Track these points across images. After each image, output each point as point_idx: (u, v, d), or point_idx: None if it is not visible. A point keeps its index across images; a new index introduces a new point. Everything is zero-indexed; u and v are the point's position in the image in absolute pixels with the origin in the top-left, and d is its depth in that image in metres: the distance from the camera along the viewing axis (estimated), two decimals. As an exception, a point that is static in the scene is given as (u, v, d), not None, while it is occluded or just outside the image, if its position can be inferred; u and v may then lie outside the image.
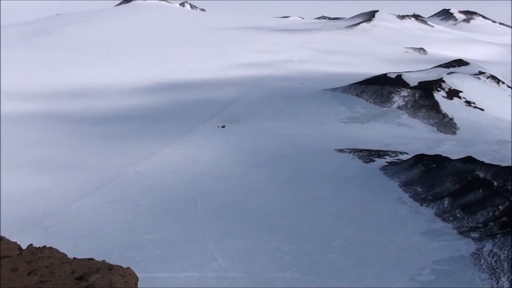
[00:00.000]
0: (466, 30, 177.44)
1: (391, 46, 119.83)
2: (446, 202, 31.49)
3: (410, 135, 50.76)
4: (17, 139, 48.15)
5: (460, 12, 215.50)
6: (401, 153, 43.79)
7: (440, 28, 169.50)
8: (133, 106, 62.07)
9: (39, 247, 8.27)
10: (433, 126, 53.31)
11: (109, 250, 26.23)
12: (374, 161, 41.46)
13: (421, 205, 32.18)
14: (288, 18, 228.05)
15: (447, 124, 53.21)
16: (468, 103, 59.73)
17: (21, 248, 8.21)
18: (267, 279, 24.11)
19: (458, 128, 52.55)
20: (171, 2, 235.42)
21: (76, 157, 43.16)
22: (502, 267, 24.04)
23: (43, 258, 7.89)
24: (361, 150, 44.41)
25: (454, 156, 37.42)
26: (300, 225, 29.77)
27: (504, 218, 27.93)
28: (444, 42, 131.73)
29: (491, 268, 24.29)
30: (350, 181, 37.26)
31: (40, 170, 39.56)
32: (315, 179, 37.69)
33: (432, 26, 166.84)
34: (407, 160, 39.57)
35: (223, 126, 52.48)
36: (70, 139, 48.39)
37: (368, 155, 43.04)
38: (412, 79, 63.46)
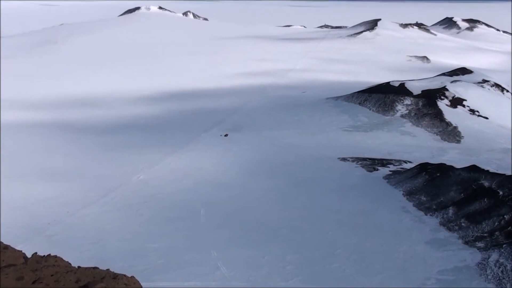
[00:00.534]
0: (470, 39, 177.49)
1: (394, 55, 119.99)
2: (450, 211, 31.42)
3: (414, 143, 50.72)
4: (20, 148, 48.28)
5: (464, 20, 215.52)
6: (405, 161, 43.75)
7: (443, 36, 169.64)
8: (136, 115, 62.23)
9: (44, 255, 8.30)
10: (437, 134, 53.27)
11: (112, 258, 26.23)
12: (377, 169, 41.42)
13: (425, 214, 32.11)
14: (291, 27, 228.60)
15: (451, 133, 53.16)
16: (472, 111, 59.70)
17: (26, 257, 8.24)
18: (271, 289, 24.09)
19: (462, 136, 52.50)
20: (174, 12, 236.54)
21: (79, 166, 43.25)
22: (509, 277, 23.94)
23: (48, 266, 7.92)
24: (364, 159, 44.38)
25: (458, 165, 37.36)
26: (303, 234, 29.73)
27: (510, 227, 27.84)
28: (447, 51, 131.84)
29: (497, 278, 24.18)
30: (353, 190, 37.21)
31: (43, 179, 39.64)
32: (318, 188, 37.66)
33: (435, 35, 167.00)
34: (411, 169, 39.51)
35: (226, 135, 52.53)
36: (73, 148, 48.50)
37: (372, 163, 43.01)
38: (415, 88, 63.51)
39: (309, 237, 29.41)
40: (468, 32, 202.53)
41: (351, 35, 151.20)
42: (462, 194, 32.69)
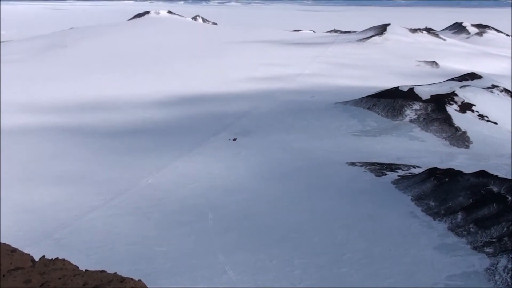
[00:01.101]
0: (479, 44, 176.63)
1: (403, 60, 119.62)
2: (459, 216, 31.24)
3: (423, 148, 50.50)
4: (29, 151, 48.61)
5: (473, 25, 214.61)
6: (414, 166, 43.57)
7: (453, 41, 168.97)
8: (144, 119, 62.46)
9: (52, 259, 8.33)
10: (445, 139, 53.01)
11: (119, 262, 26.31)
12: (386, 174, 41.28)
13: (434, 219, 31.96)
14: (300, 31, 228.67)
15: (460, 138, 52.88)
16: (481, 116, 59.37)
17: (34, 260, 8.28)
18: (278, 293, 24.04)
19: (471, 141, 52.20)
20: (183, 16, 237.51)
21: (87, 169, 43.44)
22: (517, 283, 23.74)
23: (56, 270, 7.96)
24: (373, 164, 44.25)
25: (467, 170, 37.16)
26: (311, 239, 29.66)
27: (518, 233, 27.63)
28: (457, 56, 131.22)
29: (506, 284, 24.00)
30: (362, 195, 37.11)
31: (51, 183, 39.85)
32: (326, 192, 37.59)
33: (445, 40, 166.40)
34: (420, 173, 39.35)
35: (234, 139, 52.59)
36: (82, 152, 48.73)
37: (380, 168, 42.87)
38: (424, 93, 63.26)
39: (317, 241, 29.35)
40: (477, 37, 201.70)
41: (360, 39, 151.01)
42: (470, 199, 32.51)
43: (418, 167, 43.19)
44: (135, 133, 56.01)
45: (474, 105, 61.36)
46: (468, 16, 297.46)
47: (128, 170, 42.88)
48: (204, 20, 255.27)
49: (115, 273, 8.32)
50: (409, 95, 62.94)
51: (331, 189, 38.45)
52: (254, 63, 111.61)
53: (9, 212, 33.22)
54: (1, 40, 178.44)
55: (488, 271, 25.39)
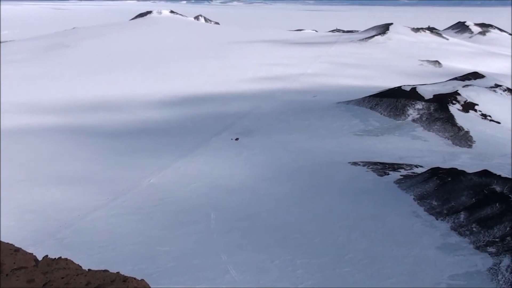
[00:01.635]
0: (482, 43, 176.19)
1: (406, 59, 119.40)
2: (462, 216, 31.24)
3: (425, 148, 50.46)
4: (32, 151, 48.73)
5: (476, 24, 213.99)
6: (416, 166, 43.55)
7: (455, 41, 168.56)
8: (146, 119, 62.52)
9: (55, 258, 8.39)
10: (448, 139, 52.95)
11: (122, 261, 26.40)
12: (388, 174, 41.28)
13: (437, 219, 31.96)
14: (302, 31, 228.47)
15: (462, 137, 52.83)
16: (484, 116, 59.29)
17: (37, 259, 8.34)
18: (280, 293, 24.08)
19: (474, 141, 52.13)
20: (185, 16, 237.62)
21: (90, 169, 43.55)
22: (520, 283, 23.74)
23: (59, 269, 8.02)
24: (375, 163, 44.24)
25: (470, 170, 37.13)
26: (313, 239, 29.69)
27: (521, 233, 27.63)
28: (460, 55, 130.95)
29: (509, 283, 24.00)
30: (364, 194, 37.12)
31: (54, 183, 39.97)
32: (328, 192, 37.61)
33: (447, 39, 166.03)
34: (422, 173, 39.34)
35: (236, 139, 52.63)
36: (84, 152, 48.83)
37: (382, 168, 42.87)
38: (427, 92, 63.20)
39: (319, 241, 29.38)
40: (480, 36, 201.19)
41: (363, 39, 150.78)
42: (473, 199, 32.49)
43: (421, 166, 43.17)
44: (137, 133, 56.09)
45: (477, 105, 61.28)
46: (471, 15, 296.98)
47: (130, 170, 42.97)
48: (206, 20, 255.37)
49: (118, 272, 8.37)
50: (412, 94, 62.88)
51: (333, 189, 38.46)
52: (256, 63, 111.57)
53: (11, 212, 33.35)
54: (4, 40, 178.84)
55: (491, 270, 25.39)
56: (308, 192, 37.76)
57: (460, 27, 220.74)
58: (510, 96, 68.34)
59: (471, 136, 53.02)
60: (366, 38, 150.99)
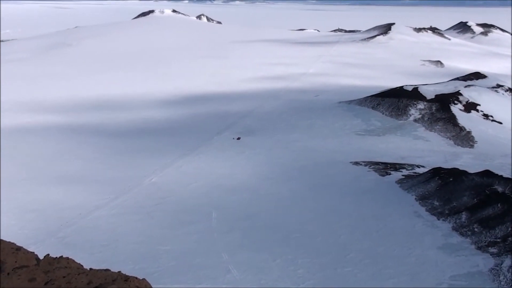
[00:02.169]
0: (484, 43, 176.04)
1: (408, 59, 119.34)
2: (463, 216, 31.18)
3: (427, 148, 50.40)
4: (33, 150, 48.74)
5: (478, 25, 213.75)
6: (418, 166, 43.49)
7: (457, 41, 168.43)
8: (148, 118, 62.52)
9: (56, 257, 8.36)
10: (450, 139, 52.89)
11: (123, 260, 26.39)
12: (390, 174, 41.23)
13: (438, 219, 31.91)
14: (304, 30, 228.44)
15: (464, 138, 52.76)
16: (486, 116, 59.21)
17: (39, 258, 8.31)
18: (281, 293, 24.05)
19: (475, 141, 52.07)
20: (188, 15, 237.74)
21: (91, 169, 43.55)
22: (521, 283, 23.68)
23: (60, 268, 7.98)
24: (377, 163, 44.19)
25: (471, 170, 37.06)
26: (315, 238, 29.66)
27: (523, 233, 27.56)
28: (462, 55, 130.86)
29: (510, 284, 23.95)
30: (366, 194, 37.06)
31: (56, 182, 39.97)
32: (330, 192, 37.57)
33: (449, 39, 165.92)
34: (424, 173, 39.28)
35: (238, 138, 52.61)
36: (86, 151, 48.83)
37: (384, 168, 42.82)
38: (429, 92, 63.12)
39: (320, 241, 29.35)
40: (482, 36, 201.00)
41: (365, 39, 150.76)
42: (475, 199, 32.43)
43: (423, 166, 43.12)
44: (139, 132, 56.09)
45: (479, 105, 61.21)
46: (473, 16, 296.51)
47: (131, 170, 42.97)
48: (208, 19, 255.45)
49: (119, 271, 8.34)
50: (414, 94, 62.81)
51: (335, 188, 38.42)
52: (258, 62, 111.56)
53: (13, 211, 33.37)
54: (6, 39, 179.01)
55: (493, 271, 25.34)
56: (310, 191, 37.73)
57: (462, 27, 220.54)
58: (512, 96, 68.23)
59: (473, 136, 52.95)
60: (368, 38, 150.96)
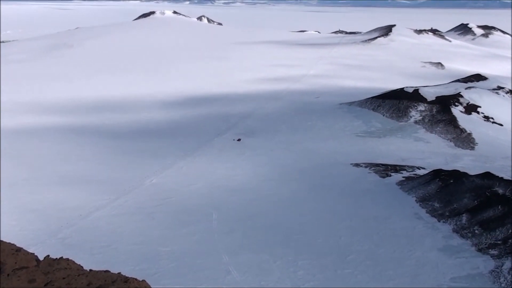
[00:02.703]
0: (485, 45, 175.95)
1: (408, 61, 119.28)
2: (464, 218, 31.15)
3: (427, 150, 50.38)
4: (33, 151, 48.72)
5: (479, 27, 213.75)
6: (418, 168, 43.47)
7: (458, 42, 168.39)
8: (149, 119, 62.53)
9: (56, 258, 8.34)
10: (450, 141, 52.86)
11: (123, 261, 26.37)
12: (390, 175, 41.20)
13: (439, 221, 31.88)
14: (305, 32, 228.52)
15: (465, 139, 52.73)
16: (487, 118, 59.19)
17: (39, 259, 8.30)
18: (282, 294, 24.02)
19: (476, 143, 52.04)
20: (188, 16, 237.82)
21: (92, 169, 43.53)
22: (522, 286, 23.64)
23: (60, 269, 7.97)
24: (377, 165, 44.17)
25: (472, 172, 37.04)
26: (315, 239, 29.64)
27: (523, 235, 27.52)
28: (462, 57, 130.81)
29: (511, 286, 23.90)
30: (366, 196, 37.04)
31: (55, 182, 39.95)
32: (331, 193, 37.54)
33: (450, 41, 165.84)
34: (424, 175, 39.25)
35: (238, 140, 52.59)
36: (86, 152, 48.82)
37: (385, 169, 42.79)
38: (430, 94, 63.11)
39: (321, 242, 29.32)
40: (483, 38, 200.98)
41: (365, 40, 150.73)
42: (475, 201, 32.40)
43: (423, 168, 43.10)
44: (139, 133, 56.09)
45: (480, 107, 61.18)
46: (474, 18, 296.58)
47: (132, 170, 42.96)
48: (209, 20, 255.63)
49: (119, 273, 8.33)
50: (414, 96, 62.79)
51: (336, 190, 38.40)
52: (258, 63, 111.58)
53: (13, 211, 33.34)
54: (7, 40, 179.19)
55: (493, 273, 25.31)
56: (310, 192, 37.71)
57: (463, 29, 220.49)
58: (513, 98, 68.17)
59: (473, 138, 52.92)
60: (368, 40, 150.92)
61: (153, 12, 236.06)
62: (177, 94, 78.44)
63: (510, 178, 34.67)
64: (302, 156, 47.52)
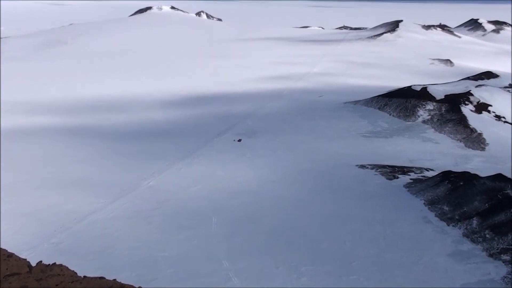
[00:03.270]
0: (496, 41, 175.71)
1: (416, 58, 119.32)
2: (474, 222, 31.09)
3: (436, 150, 50.32)
4: (26, 152, 48.76)
5: (489, 22, 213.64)
6: (427, 169, 43.43)
7: (468, 39, 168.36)
8: (146, 119, 62.57)
9: (49, 264, 8.34)
10: (460, 141, 52.81)
11: (120, 267, 26.35)
12: (397, 177, 41.16)
13: (448, 225, 31.82)
14: (308, 28, 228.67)
15: (475, 140, 52.67)
16: (498, 117, 59.09)
17: (31, 265, 8.30)
18: (284, 301, 24.01)
19: (487, 143, 51.97)
20: (187, 12, 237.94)
21: (87, 171, 43.53)
22: (535, 292, 23.60)
23: (53, 276, 7.97)
24: (384, 166, 44.13)
25: (483, 174, 36.97)
26: (319, 244, 29.60)
27: (536, 239, 27.47)
28: (472, 54, 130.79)
29: (522, 293, 23.85)
30: (372, 199, 37.00)
31: (49, 184, 39.96)
32: (335, 196, 37.50)
33: (459, 37, 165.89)
34: (433, 177, 39.19)
35: (239, 140, 52.60)
36: (82, 153, 48.83)
37: (392, 171, 42.75)
38: (438, 92, 63.05)
39: (325, 247, 29.28)
40: (494, 34, 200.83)
41: (371, 36, 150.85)
42: (486, 204, 32.33)
43: (432, 170, 43.05)
44: (136, 134, 56.11)
45: (491, 106, 61.09)
46: (484, 12, 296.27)
47: (128, 172, 42.96)
48: (208, 16, 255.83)
49: (115, 279, 8.32)
50: (422, 94, 62.76)
51: (340, 192, 38.36)
52: (260, 61, 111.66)
53: (4, 215, 33.33)
54: (0, 36, 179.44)
55: (505, 279, 25.26)
56: (314, 195, 37.67)
57: (473, 25, 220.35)
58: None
59: (484, 139, 52.85)
60: (374, 36, 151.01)
61: (150, 8, 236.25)
62: (175, 93, 78.50)
63: (522, 180, 34.60)
64: (305, 157, 47.49)
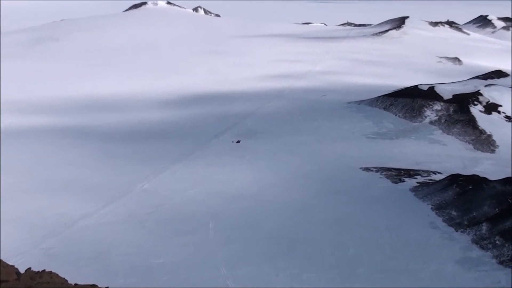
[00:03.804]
0: (506, 39, 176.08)
1: (423, 56, 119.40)
2: (484, 227, 31.06)
3: (444, 153, 50.32)
4: (15, 154, 48.66)
5: (499, 19, 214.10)
6: (434, 172, 43.42)
7: (477, 36, 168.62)
8: (141, 120, 62.53)
9: (38, 271, 8.31)
10: (469, 143, 52.81)
11: (113, 274, 26.31)
12: (403, 181, 41.14)
13: (456, 231, 31.80)
14: (310, 24, 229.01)
15: (484, 141, 52.68)
16: (509, 118, 59.12)
17: (19, 273, 8.26)
18: (285, 310, 23.98)
19: (497, 145, 51.98)
20: (183, 7, 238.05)
21: (79, 174, 43.49)
22: (547, 301, 23.58)
23: (43, 283, 7.93)
24: (389, 169, 44.11)
25: (492, 177, 36.95)
26: (321, 251, 29.57)
27: (548, 246, 27.45)
28: (481, 52, 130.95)
29: (534, 302, 23.84)
30: (377, 203, 36.97)
31: (39, 188, 39.91)
32: (338, 200, 37.47)
33: (468, 34, 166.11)
34: (441, 180, 39.18)
35: (238, 142, 52.59)
36: (74, 155, 48.79)
37: (397, 174, 42.74)
38: (446, 92, 63.08)
39: (328, 254, 29.25)
40: (504, 31, 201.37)
41: (376, 33, 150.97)
42: (496, 209, 32.32)
43: (439, 173, 43.04)
44: (131, 135, 56.07)
45: (501, 106, 61.11)
46: (494, 9, 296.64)
47: (122, 175, 42.92)
48: (206, 11, 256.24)
49: (107, 287, 8.30)
50: (429, 94, 62.78)
51: (344, 196, 38.33)
52: (260, 59, 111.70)
53: (-7, 219, 33.28)
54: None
55: (516, 287, 25.24)
56: (316, 199, 37.64)
57: (482, 21, 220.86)
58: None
59: (494, 140, 52.86)
60: (379, 33, 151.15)
61: (145, 3, 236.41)
62: (171, 91, 78.49)
63: (534, 184, 34.58)
64: (307, 159, 47.47)
